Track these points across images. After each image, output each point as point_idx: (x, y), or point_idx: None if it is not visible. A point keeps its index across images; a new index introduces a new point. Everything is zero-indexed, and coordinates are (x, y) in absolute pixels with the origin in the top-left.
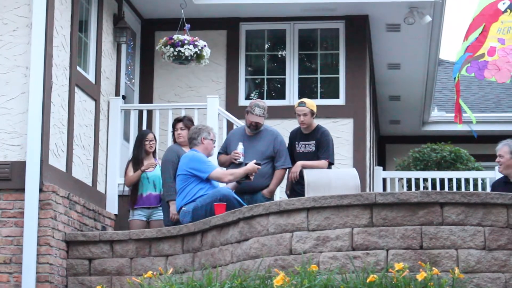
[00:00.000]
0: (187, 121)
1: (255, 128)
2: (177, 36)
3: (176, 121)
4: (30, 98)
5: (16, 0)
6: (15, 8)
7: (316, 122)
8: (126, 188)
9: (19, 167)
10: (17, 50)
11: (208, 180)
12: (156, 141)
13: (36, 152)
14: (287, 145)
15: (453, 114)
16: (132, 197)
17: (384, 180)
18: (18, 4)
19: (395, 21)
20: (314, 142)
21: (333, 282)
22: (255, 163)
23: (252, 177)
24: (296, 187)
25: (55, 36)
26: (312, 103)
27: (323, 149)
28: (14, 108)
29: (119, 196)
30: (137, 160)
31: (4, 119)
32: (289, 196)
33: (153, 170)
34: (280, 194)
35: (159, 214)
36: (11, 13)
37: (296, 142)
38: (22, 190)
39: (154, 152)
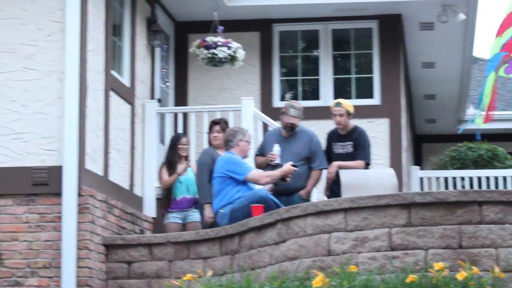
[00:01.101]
0: (223, 124)
1: (291, 129)
2: (210, 38)
3: (213, 123)
4: (66, 103)
5: (50, 6)
6: (49, 13)
7: (353, 123)
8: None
9: (57, 172)
10: (52, 55)
11: (244, 182)
12: (189, 144)
13: (73, 157)
14: (323, 146)
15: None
16: (166, 200)
17: (421, 179)
18: (52, 10)
19: (429, 19)
20: (351, 142)
21: (373, 282)
22: (291, 165)
23: (288, 179)
24: (335, 188)
25: (89, 40)
26: (348, 104)
27: (360, 149)
28: (50, 113)
29: (157, 199)
30: (171, 164)
31: (40, 124)
32: (328, 197)
33: (186, 173)
34: (317, 195)
35: (194, 216)
36: (45, 18)
37: (333, 143)
38: (59, 194)
39: (187, 156)
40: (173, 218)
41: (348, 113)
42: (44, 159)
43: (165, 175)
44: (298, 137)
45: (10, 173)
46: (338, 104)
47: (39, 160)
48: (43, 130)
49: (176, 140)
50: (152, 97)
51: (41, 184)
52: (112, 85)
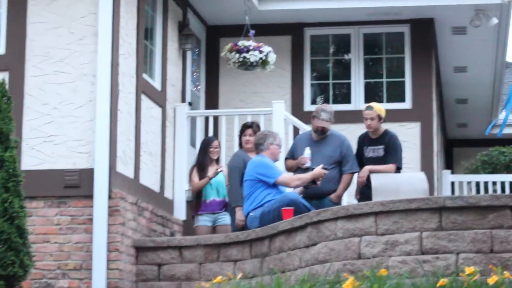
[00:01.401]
0: (256, 127)
1: (322, 133)
2: (242, 42)
3: (245, 127)
4: (97, 106)
5: (83, 10)
6: (82, 17)
7: (384, 126)
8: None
9: (88, 174)
10: (84, 59)
11: (275, 185)
12: (220, 148)
13: (104, 159)
14: (354, 149)
15: None
16: (196, 203)
17: (452, 183)
18: (85, 14)
19: (461, 24)
20: (382, 146)
21: (403, 286)
22: (322, 168)
23: (319, 182)
24: (366, 192)
25: (121, 44)
26: (380, 108)
27: (391, 153)
28: (82, 116)
29: (187, 201)
30: (202, 167)
31: (72, 127)
32: (359, 200)
33: (216, 176)
34: (348, 198)
35: (224, 219)
36: (77, 22)
37: (365, 147)
38: (91, 197)
39: (218, 159)
40: (203, 221)
41: (379, 117)
42: (76, 162)
43: (196, 178)
44: (329, 141)
45: (42, 175)
46: (369, 108)
47: (71, 162)
48: (75, 133)
49: (207, 143)
50: (183, 101)
51: (73, 186)
52: (143, 89)
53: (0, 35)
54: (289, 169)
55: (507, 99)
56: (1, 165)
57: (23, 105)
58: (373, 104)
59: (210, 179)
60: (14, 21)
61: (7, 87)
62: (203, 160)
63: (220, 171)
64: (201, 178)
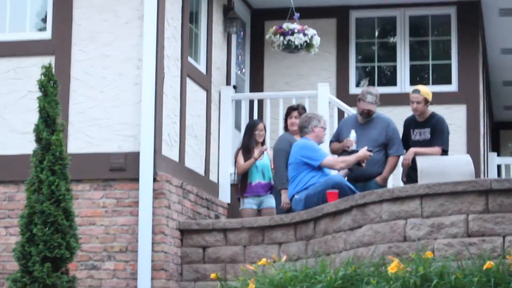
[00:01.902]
0: (301, 109)
1: (367, 115)
2: (286, 25)
3: (291, 109)
4: (143, 90)
5: None
6: (128, 1)
7: (430, 109)
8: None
9: (133, 158)
10: (130, 43)
11: (320, 168)
12: (265, 130)
13: (150, 143)
14: (401, 132)
15: None
16: (241, 185)
17: (498, 166)
18: None
19: (509, 5)
20: (429, 129)
21: (449, 269)
22: (367, 150)
23: (364, 164)
24: (413, 174)
25: (166, 27)
26: (427, 91)
27: (437, 136)
28: (128, 99)
29: (231, 185)
30: (247, 149)
31: (117, 111)
32: (405, 183)
33: (262, 159)
34: (393, 181)
35: (269, 202)
36: (123, 6)
37: (411, 130)
38: (136, 180)
39: (263, 142)
40: (249, 203)
41: (426, 101)
42: (121, 145)
43: (241, 160)
44: (375, 124)
45: (88, 158)
46: (416, 91)
47: (116, 146)
48: (120, 116)
49: (253, 126)
50: (228, 84)
51: (118, 169)
52: (188, 72)
53: (47, 20)
54: (334, 152)
55: None
56: (48, 148)
57: (70, 89)
58: (420, 87)
59: (256, 160)
60: (60, 5)
61: (53, 71)
62: (249, 143)
63: (265, 150)
64: (246, 160)
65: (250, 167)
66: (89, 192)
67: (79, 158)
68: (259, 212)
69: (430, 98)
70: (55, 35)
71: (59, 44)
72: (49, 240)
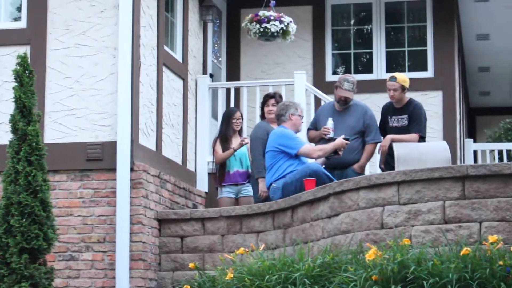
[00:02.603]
0: (278, 98)
1: (344, 103)
2: (262, 13)
3: (267, 97)
4: (119, 79)
5: None
6: None
7: (408, 96)
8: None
9: (110, 147)
10: (105, 32)
11: (297, 156)
12: (242, 119)
13: (126, 132)
14: (379, 120)
15: None
16: (219, 174)
17: (475, 152)
18: None
19: None
20: (406, 116)
21: (426, 255)
22: (344, 138)
23: (341, 152)
24: (391, 161)
25: (142, 16)
26: (403, 78)
27: (414, 122)
28: (104, 89)
29: (209, 173)
30: (225, 138)
31: (94, 100)
32: (383, 170)
33: (240, 148)
34: (370, 168)
35: (247, 191)
36: None
37: (389, 117)
38: (113, 169)
39: (240, 130)
40: (226, 192)
41: (403, 88)
42: (98, 135)
43: (220, 150)
44: (352, 111)
45: (65, 148)
46: (392, 78)
47: (93, 135)
48: (97, 106)
49: (230, 115)
50: (205, 72)
51: (95, 159)
52: (164, 61)
53: (22, 9)
54: (311, 139)
55: None
56: (24, 139)
57: (45, 78)
58: (396, 74)
59: (235, 150)
60: None
61: (29, 60)
62: (226, 132)
63: (246, 144)
64: (224, 149)
65: (228, 157)
66: (66, 182)
67: (55, 148)
68: (237, 201)
69: (407, 85)
70: (30, 24)
71: (34, 33)
72: (27, 231)
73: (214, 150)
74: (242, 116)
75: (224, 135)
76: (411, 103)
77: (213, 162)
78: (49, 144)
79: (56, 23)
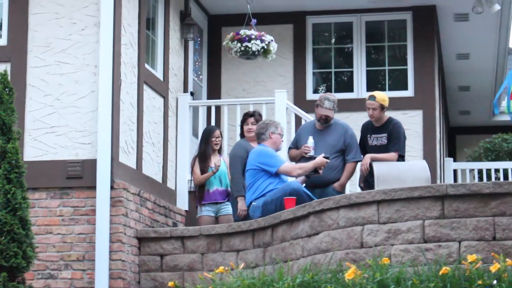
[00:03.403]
0: (258, 116)
1: (325, 121)
2: (244, 31)
3: (247, 115)
4: (99, 96)
5: (85, 0)
6: (84, 7)
7: (387, 114)
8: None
9: (90, 165)
10: (86, 49)
11: (277, 175)
12: (222, 137)
13: (107, 150)
14: (358, 138)
15: None
16: (199, 193)
17: (455, 171)
18: (86, 4)
19: (463, 10)
20: (386, 134)
21: (405, 274)
22: (324, 157)
23: (321, 171)
24: (370, 180)
25: (123, 34)
26: (382, 97)
27: (393, 141)
28: (84, 106)
29: (189, 192)
30: (203, 157)
31: (74, 118)
32: (362, 188)
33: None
34: (351, 187)
35: (226, 209)
36: (79, 12)
37: (368, 135)
38: (93, 187)
39: (220, 149)
40: (206, 211)
41: (382, 107)
42: (78, 153)
43: (198, 170)
44: (333, 130)
45: (44, 166)
46: (371, 98)
47: (73, 153)
48: (77, 123)
49: (209, 133)
50: (185, 90)
51: (75, 177)
52: (145, 79)
53: (2, 26)
54: (292, 158)
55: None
56: (3, 156)
57: (26, 96)
58: (376, 93)
59: (214, 173)
60: (16, 11)
61: (9, 78)
62: (205, 150)
63: (219, 166)
64: (203, 168)
65: (207, 179)
66: (45, 200)
67: (35, 166)
68: (216, 219)
69: (386, 104)
70: (11, 42)
71: (15, 50)
72: (5, 250)
73: (192, 170)
74: (221, 134)
75: (203, 154)
76: (390, 121)
77: (191, 180)
78: (29, 162)
79: (36, 41)
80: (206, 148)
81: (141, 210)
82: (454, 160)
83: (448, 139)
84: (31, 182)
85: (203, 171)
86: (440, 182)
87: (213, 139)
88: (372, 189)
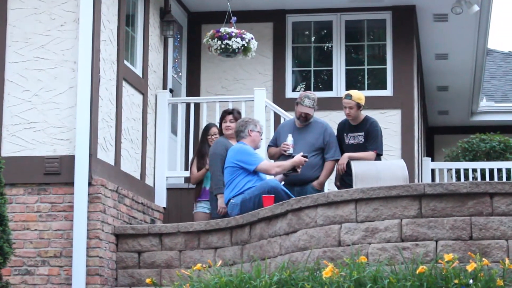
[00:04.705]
0: (236, 114)
1: (305, 119)
2: (224, 29)
3: (226, 113)
4: (78, 93)
5: None
6: (63, 3)
7: (364, 113)
8: (173, 181)
9: (68, 161)
10: (65, 45)
11: (255, 173)
12: (219, 134)
13: (85, 146)
14: None
15: (502, 104)
16: (196, 190)
17: (432, 171)
18: None
19: (443, 11)
20: (362, 133)
21: (382, 273)
22: (302, 156)
23: (299, 170)
24: (346, 178)
25: (102, 30)
26: (359, 96)
27: (371, 140)
28: (63, 102)
29: (168, 189)
30: (201, 154)
31: (53, 114)
32: (338, 187)
33: None
34: (329, 186)
35: None
36: (58, 8)
37: (345, 134)
38: (71, 184)
39: None
40: (201, 208)
41: (358, 106)
42: (56, 149)
43: (194, 169)
44: (312, 128)
45: (22, 162)
46: (348, 96)
47: (51, 149)
48: (55, 119)
49: (205, 130)
50: (165, 87)
51: (53, 173)
52: (124, 75)
53: None
54: (271, 156)
55: None
56: None
57: (4, 91)
58: (352, 92)
59: (207, 170)
60: None
61: None
62: (202, 148)
63: None
64: (200, 166)
65: (202, 176)
66: (23, 196)
67: (13, 162)
68: (211, 216)
69: (362, 102)
70: None
71: None
72: None
73: (191, 169)
74: (218, 131)
75: (200, 151)
76: (367, 120)
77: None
78: (6, 158)
79: (15, 36)
80: (203, 145)
81: (119, 206)
82: (432, 160)
83: (426, 139)
84: (9, 178)
85: (200, 169)
86: (418, 181)
87: (209, 136)
88: (348, 188)
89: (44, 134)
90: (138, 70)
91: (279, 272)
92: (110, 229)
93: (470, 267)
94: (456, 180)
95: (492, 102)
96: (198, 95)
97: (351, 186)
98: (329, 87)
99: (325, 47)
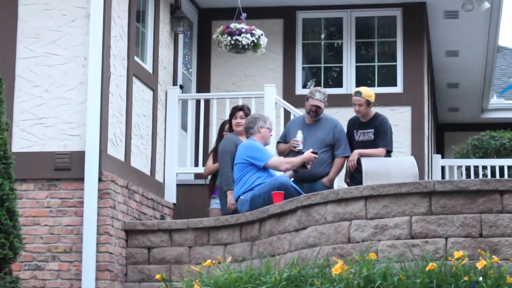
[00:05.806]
0: (247, 110)
1: (315, 114)
2: (234, 25)
3: (236, 109)
4: (88, 88)
5: None
6: None
7: (374, 110)
8: (183, 177)
9: (79, 157)
10: (76, 41)
11: (265, 169)
12: (228, 131)
13: (95, 142)
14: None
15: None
16: (210, 186)
17: (442, 168)
18: None
19: (453, 7)
20: (372, 130)
21: (392, 270)
22: (312, 152)
23: (309, 166)
24: (356, 175)
25: (112, 26)
26: (368, 93)
27: (381, 137)
28: (73, 98)
29: (177, 185)
30: (216, 149)
31: (63, 110)
32: (349, 184)
33: None
34: (339, 182)
35: None
36: (69, 4)
37: (355, 131)
38: (81, 179)
39: None
40: (215, 204)
41: (368, 103)
42: (66, 144)
43: (210, 162)
44: (322, 124)
45: (33, 157)
46: (357, 94)
47: (61, 145)
48: (66, 115)
49: (221, 126)
50: (175, 84)
51: (63, 169)
52: (135, 71)
53: None
54: (281, 152)
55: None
56: None
57: (14, 87)
58: (362, 89)
59: None
60: (5, 2)
61: None
62: (217, 143)
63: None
64: (216, 161)
65: (216, 169)
66: (33, 191)
67: (23, 157)
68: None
69: (372, 99)
70: (0, 32)
71: (4, 41)
72: None
73: (206, 163)
74: (229, 127)
75: (215, 147)
76: (377, 117)
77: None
78: (17, 153)
79: (26, 32)
80: (218, 141)
81: (129, 202)
82: (442, 157)
83: (436, 136)
84: (19, 173)
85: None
86: (428, 178)
87: (224, 132)
88: (358, 184)
89: (55, 130)
90: (148, 66)
91: (288, 269)
92: (120, 225)
93: (480, 265)
94: (466, 177)
95: (502, 99)
96: (208, 91)
97: (361, 183)
98: (339, 84)
99: (335, 44)
